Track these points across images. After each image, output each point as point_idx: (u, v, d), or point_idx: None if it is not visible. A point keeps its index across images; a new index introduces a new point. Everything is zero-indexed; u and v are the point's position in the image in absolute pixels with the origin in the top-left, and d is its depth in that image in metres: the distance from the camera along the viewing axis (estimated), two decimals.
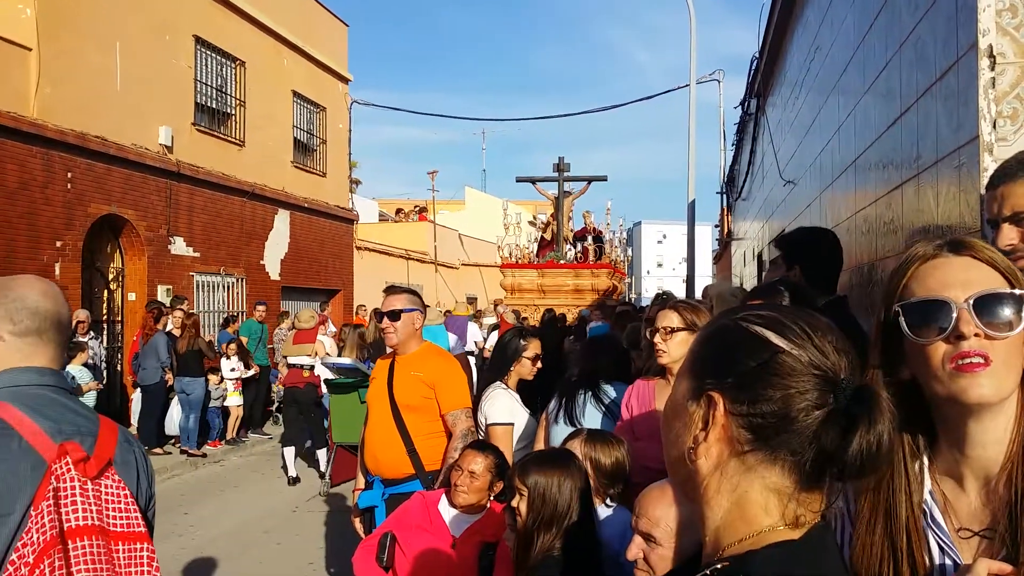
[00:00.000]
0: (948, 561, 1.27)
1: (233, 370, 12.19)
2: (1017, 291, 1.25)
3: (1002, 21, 2.53)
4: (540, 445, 3.96)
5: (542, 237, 16.56)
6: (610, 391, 3.92)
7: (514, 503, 2.64)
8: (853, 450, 0.95)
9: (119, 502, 1.87)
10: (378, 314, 4.34)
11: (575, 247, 15.73)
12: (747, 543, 0.99)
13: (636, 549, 1.84)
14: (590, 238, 15.78)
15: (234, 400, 12.26)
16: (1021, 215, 1.87)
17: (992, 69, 2.53)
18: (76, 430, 1.89)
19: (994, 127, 2.52)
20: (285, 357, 10.90)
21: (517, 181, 16.69)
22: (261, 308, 13.63)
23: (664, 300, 5.16)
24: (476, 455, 3.38)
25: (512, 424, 4.24)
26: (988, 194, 1.99)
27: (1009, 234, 1.89)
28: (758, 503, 1.00)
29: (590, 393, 3.90)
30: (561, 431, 3.69)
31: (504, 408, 4.22)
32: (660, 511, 1.82)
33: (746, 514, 1.00)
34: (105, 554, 1.81)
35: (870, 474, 1.00)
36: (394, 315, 4.18)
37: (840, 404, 0.97)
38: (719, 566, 0.95)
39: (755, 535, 0.99)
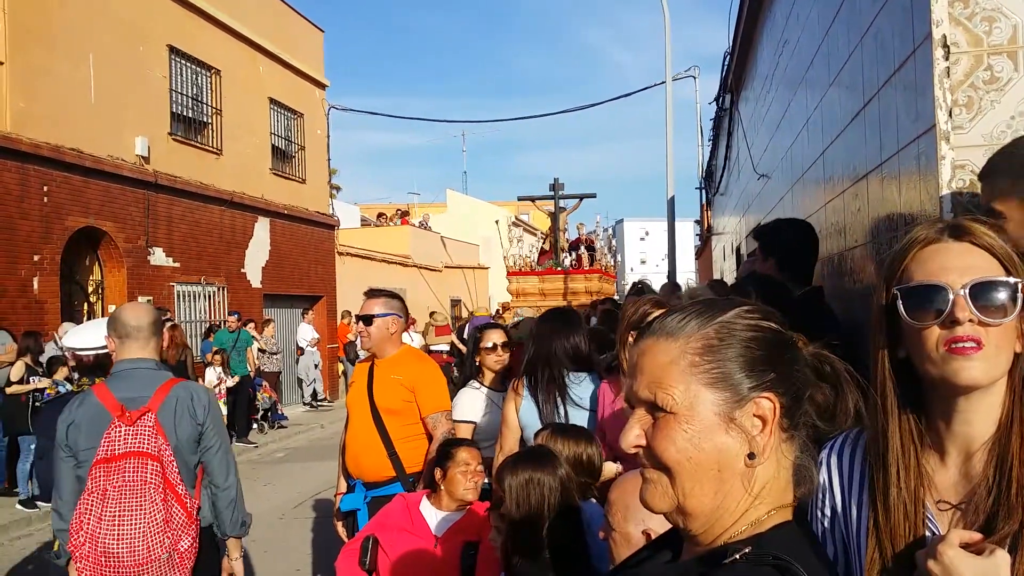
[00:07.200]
0: (928, 532, 1.31)
1: (219, 379, 12.18)
2: (1012, 279, 1.28)
3: (955, 11, 2.57)
4: (510, 444, 3.91)
5: (542, 248, 17.65)
6: (579, 391, 3.71)
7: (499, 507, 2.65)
8: (849, 406, 1.07)
9: (145, 434, 3.18)
10: (356, 318, 4.34)
11: (571, 255, 16.62)
12: (776, 516, 1.05)
13: (602, 532, 1.88)
14: (583, 247, 16.50)
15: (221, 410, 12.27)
16: (992, 211, 1.92)
17: (947, 59, 2.56)
18: (138, 395, 3.24)
19: (950, 116, 2.55)
20: (428, 345, 14.14)
21: (519, 200, 17.85)
22: (232, 318, 13.81)
23: (640, 290, 5.16)
24: (466, 450, 3.39)
25: (473, 423, 4.28)
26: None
27: None
28: (786, 479, 1.08)
29: (561, 400, 3.70)
30: None
31: (465, 406, 4.29)
32: (615, 495, 1.85)
33: (767, 498, 1.06)
34: (132, 467, 3.14)
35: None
36: (367, 320, 4.20)
37: (813, 370, 1.08)
38: (747, 550, 0.99)
39: (771, 513, 1.05)
